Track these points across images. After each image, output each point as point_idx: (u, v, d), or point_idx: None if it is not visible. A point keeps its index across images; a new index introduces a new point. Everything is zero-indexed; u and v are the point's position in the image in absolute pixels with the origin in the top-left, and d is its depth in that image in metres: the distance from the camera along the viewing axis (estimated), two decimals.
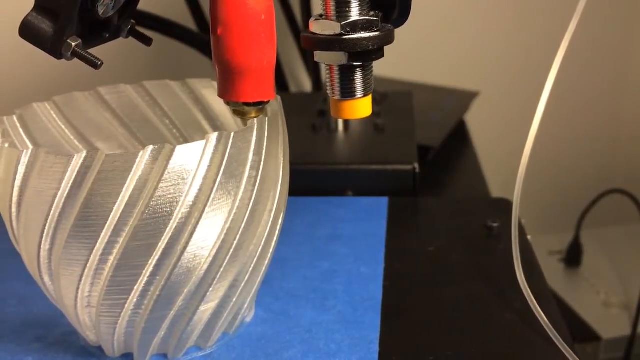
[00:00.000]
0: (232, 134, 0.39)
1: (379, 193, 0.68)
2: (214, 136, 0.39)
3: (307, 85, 1.12)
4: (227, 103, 0.41)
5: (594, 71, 1.28)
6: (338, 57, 0.39)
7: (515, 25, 1.23)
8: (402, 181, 0.68)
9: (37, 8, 0.38)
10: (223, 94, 0.40)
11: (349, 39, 0.38)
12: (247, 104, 0.40)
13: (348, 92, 0.41)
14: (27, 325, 0.49)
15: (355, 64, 0.40)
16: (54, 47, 0.38)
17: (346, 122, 0.78)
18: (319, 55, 0.40)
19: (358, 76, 0.40)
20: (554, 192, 1.33)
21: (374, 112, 0.81)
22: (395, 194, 0.68)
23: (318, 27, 0.39)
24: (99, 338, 0.44)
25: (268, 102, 0.41)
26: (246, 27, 0.38)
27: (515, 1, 1.22)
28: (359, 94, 0.41)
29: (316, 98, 0.90)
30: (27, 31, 0.38)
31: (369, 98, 0.42)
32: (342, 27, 0.38)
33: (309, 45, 0.40)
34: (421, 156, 0.75)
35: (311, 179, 0.70)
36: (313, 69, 1.03)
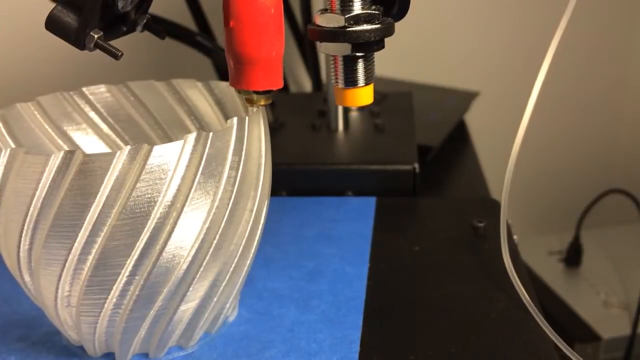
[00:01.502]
0: (211, 134, 0.39)
1: (379, 193, 0.68)
2: (192, 136, 0.39)
3: (307, 85, 1.12)
4: (239, 92, 0.43)
5: (594, 71, 1.27)
6: (342, 48, 0.42)
7: (515, 25, 1.22)
8: (402, 181, 0.68)
9: (62, 2, 0.40)
10: (234, 83, 0.42)
11: (353, 31, 0.41)
12: (257, 92, 0.43)
13: (351, 81, 0.43)
14: (10, 324, 0.49)
15: (358, 54, 0.42)
16: (77, 39, 0.40)
17: (346, 122, 0.79)
18: (325, 47, 0.42)
19: (360, 66, 0.43)
20: (554, 192, 1.33)
21: (374, 112, 0.82)
22: (395, 194, 0.68)
23: (323, 20, 0.42)
24: (80, 337, 0.44)
25: (277, 90, 0.43)
26: (256, 20, 0.40)
27: (516, 1, 1.21)
28: (361, 82, 0.43)
29: (316, 98, 0.90)
30: (53, 24, 0.40)
31: (371, 87, 0.44)
32: (346, 20, 0.41)
33: (314, 36, 0.42)
34: (421, 156, 0.74)
35: (311, 179, 0.70)
36: (313, 69, 1.03)
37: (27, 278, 0.42)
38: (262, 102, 0.43)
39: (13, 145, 0.46)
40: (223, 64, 0.90)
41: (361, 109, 0.85)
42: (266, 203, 0.46)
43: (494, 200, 0.64)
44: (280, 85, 0.43)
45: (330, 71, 0.44)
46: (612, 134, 1.32)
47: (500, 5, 1.21)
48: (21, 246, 0.40)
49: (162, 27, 0.80)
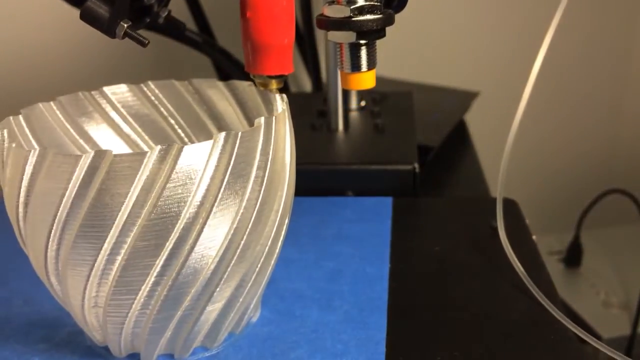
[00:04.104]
0: (240, 133, 0.39)
1: (379, 193, 0.68)
2: (221, 136, 0.39)
3: (307, 85, 1.12)
4: (254, 76, 0.48)
5: (594, 71, 1.28)
6: (348, 36, 0.46)
7: (515, 25, 1.23)
8: (402, 181, 0.68)
9: None
10: (250, 68, 0.48)
11: (357, 20, 0.45)
12: (270, 77, 0.48)
13: (356, 66, 0.48)
14: (32, 325, 0.49)
15: (362, 41, 0.47)
16: (109, 28, 0.44)
17: (346, 122, 0.79)
18: (332, 35, 0.47)
19: (364, 53, 0.47)
20: (554, 192, 1.33)
21: (374, 112, 0.82)
22: (395, 194, 0.68)
23: (331, 11, 0.46)
24: (105, 338, 0.44)
25: (287, 75, 0.48)
26: (271, 11, 0.45)
27: (516, 1, 1.22)
28: (365, 68, 0.48)
29: (316, 98, 0.90)
30: (87, 15, 0.44)
31: (373, 72, 0.48)
32: (351, 10, 0.45)
33: (323, 26, 0.47)
34: (421, 156, 0.74)
35: (311, 179, 0.69)
36: (313, 69, 1.03)
37: (53, 279, 0.42)
38: (275, 86, 0.48)
39: (36, 145, 0.46)
40: (223, 64, 0.91)
41: (361, 109, 0.85)
42: (291, 203, 0.46)
43: (512, 200, 0.64)
44: (291, 70, 0.48)
45: (337, 58, 0.48)
46: (612, 134, 1.32)
47: (500, 5, 1.21)
48: (49, 247, 0.40)
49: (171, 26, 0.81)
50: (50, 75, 1.06)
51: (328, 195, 0.68)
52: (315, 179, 0.69)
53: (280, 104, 0.45)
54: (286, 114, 0.44)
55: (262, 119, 0.41)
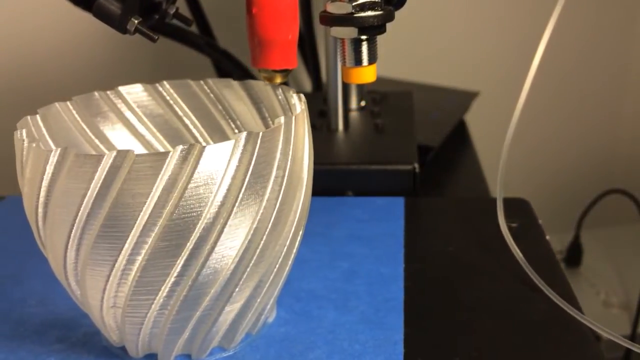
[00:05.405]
0: (261, 133, 0.39)
1: (379, 193, 0.68)
2: (242, 136, 0.38)
3: (307, 85, 1.12)
4: (259, 70, 0.49)
5: (594, 70, 1.28)
6: (350, 32, 0.48)
7: (516, 25, 1.23)
8: (402, 181, 0.68)
9: None
10: (256, 62, 0.48)
11: (359, 16, 0.47)
12: (275, 71, 0.48)
13: (357, 61, 0.49)
14: (48, 325, 0.49)
15: (363, 37, 0.48)
16: (121, 24, 0.45)
17: (346, 122, 0.79)
18: (335, 31, 0.48)
19: (365, 48, 0.49)
20: (554, 192, 1.33)
21: (374, 112, 0.82)
22: (396, 194, 0.68)
23: (333, 8, 0.48)
24: (123, 338, 0.43)
25: (292, 70, 0.49)
26: (276, 7, 0.46)
27: (516, 1, 1.22)
28: (366, 62, 0.49)
29: (316, 98, 0.89)
30: (99, 11, 0.45)
31: (374, 66, 0.50)
32: (353, 7, 0.47)
33: (325, 22, 0.48)
34: (421, 156, 0.74)
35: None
36: (313, 70, 1.03)
37: (72, 279, 0.41)
38: (279, 80, 0.49)
39: (52, 145, 0.45)
40: (225, 65, 0.91)
41: (361, 108, 0.85)
42: (308, 204, 0.46)
43: (524, 200, 0.64)
44: (295, 65, 0.49)
45: (339, 53, 0.49)
46: (612, 134, 1.33)
47: (500, 5, 1.21)
48: (69, 247, 0.39)
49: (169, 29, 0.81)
50: (57, 74, 1.05)
51: (327, 195, 0.67)
52: (315, 179, 0.69)
53: (299, 104, 0.45)
54: (305, 114, 0.44)
55: (282, 119, 0.41)
